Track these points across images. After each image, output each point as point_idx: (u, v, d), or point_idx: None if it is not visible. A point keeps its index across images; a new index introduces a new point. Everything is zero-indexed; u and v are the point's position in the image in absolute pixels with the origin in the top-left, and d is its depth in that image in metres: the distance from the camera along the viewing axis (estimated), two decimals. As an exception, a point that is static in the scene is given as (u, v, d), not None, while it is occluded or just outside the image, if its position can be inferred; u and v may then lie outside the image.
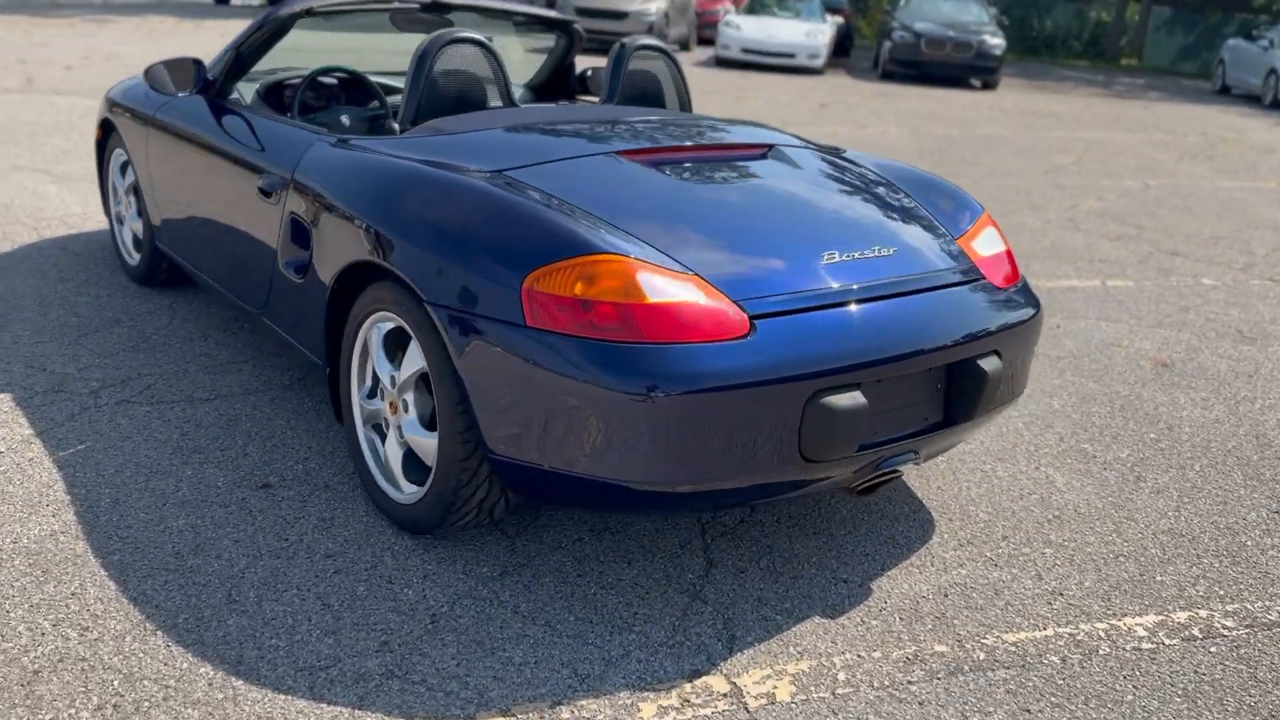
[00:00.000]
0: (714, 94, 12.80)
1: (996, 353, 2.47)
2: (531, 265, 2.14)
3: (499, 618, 2.23)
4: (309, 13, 3.32)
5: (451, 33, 2.92)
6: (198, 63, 3.42)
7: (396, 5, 3.50)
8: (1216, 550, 2.75)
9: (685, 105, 3.45)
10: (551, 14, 3.87)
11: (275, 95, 3.66)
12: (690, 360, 2.06)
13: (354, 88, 3.84)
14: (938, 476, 3.05)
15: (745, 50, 16.56)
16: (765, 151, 2.85)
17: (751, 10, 18.17)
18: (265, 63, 4.06)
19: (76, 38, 13.14)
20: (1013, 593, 2.48)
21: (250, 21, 14.73)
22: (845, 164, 2.94)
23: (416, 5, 3.55)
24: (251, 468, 2.79)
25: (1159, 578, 2.59)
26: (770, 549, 2.58)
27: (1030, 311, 2.62)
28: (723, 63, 16.91)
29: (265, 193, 2.90)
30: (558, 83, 4.27)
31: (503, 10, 3.75)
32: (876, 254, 2.43)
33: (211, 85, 3.45)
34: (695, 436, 2.06)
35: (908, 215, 2.69)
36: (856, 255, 2.40)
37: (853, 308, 2.27)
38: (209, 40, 14.02)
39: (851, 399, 2.16)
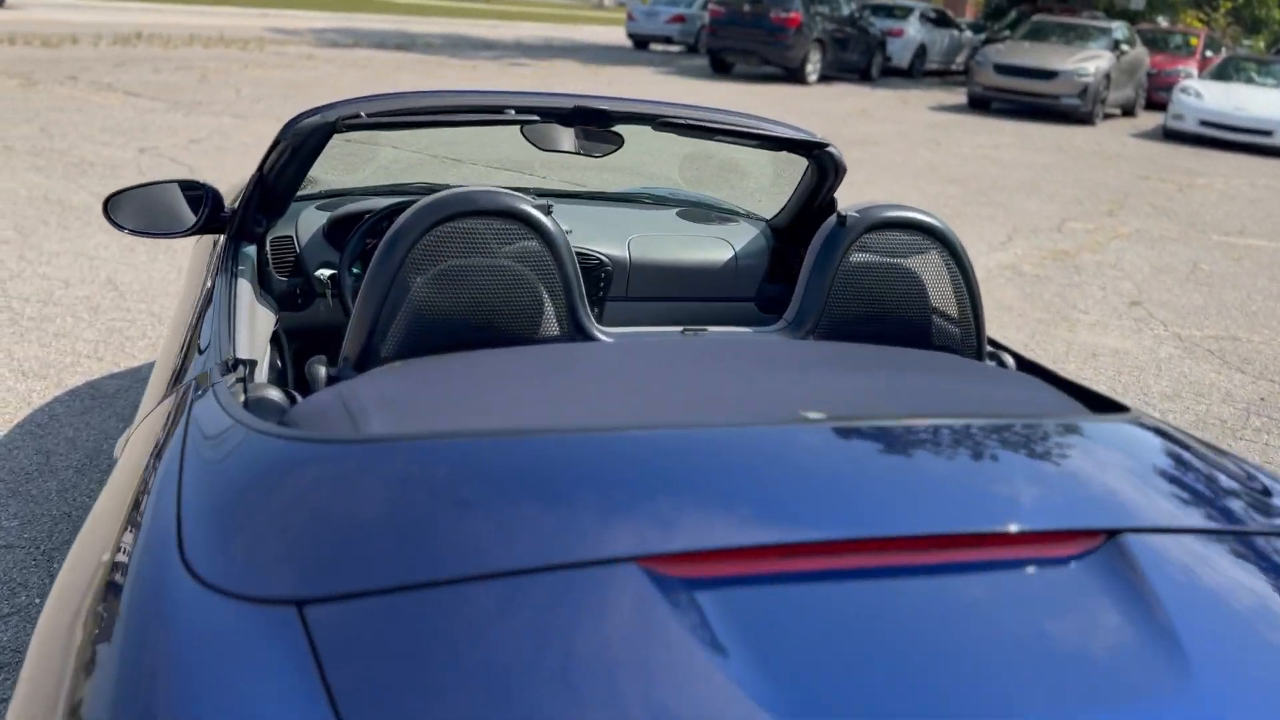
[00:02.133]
0: (1150, 178, 10.25)
1: None
2: None
3: None
4: (347, 125, 2.04)
5: (450, 201, 1.49)
6: (208, 190, 2.26)
7: (511, 116, 2.12)
8: None
9: (970, 345, 1.75)
10: (787, 132, 2.29)
11: (344, 232, 2.43)
12: None
13: None
14: None
15: (1204, 123, 13.51)
16: (1090, 550, 1.10)
17: (1221, 75, 14.94)
18: (377, 174, 2.87)
19: (471, 84, 13.26)
20: None
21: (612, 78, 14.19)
22: None
23: (536, 117, 2.14)
24: None
25: None
26: None
27: None
28: (1172, 136, 13.95)
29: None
30: (808, 225, 2.68)
31: (702, 126, 2.23)
32: None
33: (226, 221, 2.27)
34: None
35: None
36: None
37: None
38: (597, 89, 13.65)
39: None
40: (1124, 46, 15.75)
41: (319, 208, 2.52)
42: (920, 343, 1.73)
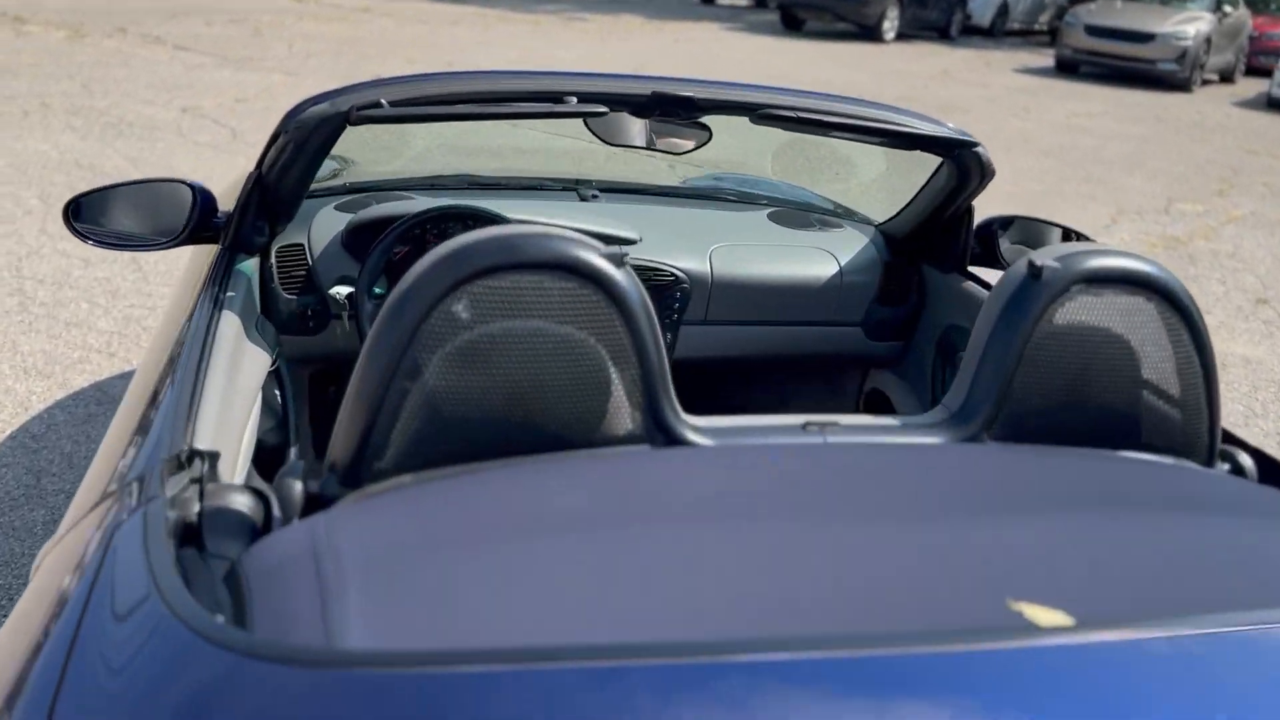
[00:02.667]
0: (1259, 153, 9.46)
1: None
2: None
3: None
4: (362, 117, 1.58)
5: (480, 250, 1.04)
6: (197, 191, 1.82)
7: (573, 106, 1.64)
8: None
9: (1199, 443, 1.25)
10: (924, 127, 1.79)
11: (368, 241, 1.99)
12: None
13: None
14: None
15: (1315, 91, 12.55)
16: None
17: (1333, 37, 13.90)
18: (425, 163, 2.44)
19: (530, 38, 12.74)
20: None
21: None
22: None
23: (604, 108, 1.66)
24: None
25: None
26: None
27: None
28: (1278, 105, 13.00)
29: None
30: (932, 236, 2.18)
31: (816, 120, 1.73)
32: None
33: (220, 229, 1.84)
34: None
35: None
36: None
37: None
38: (662, 46, 13.05)
39: None
40: (1226, 7, 14.72)
41: (339, 208, 2.08)
42: (1129, 439, 1.25)
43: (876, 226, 2.37)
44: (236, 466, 1.46)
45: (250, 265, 1.84)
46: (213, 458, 1.16)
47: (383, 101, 1.60)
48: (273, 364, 1.74)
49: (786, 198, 2.61)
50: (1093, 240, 2.24)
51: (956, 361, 2.08)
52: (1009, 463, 1.12)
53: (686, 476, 1.04)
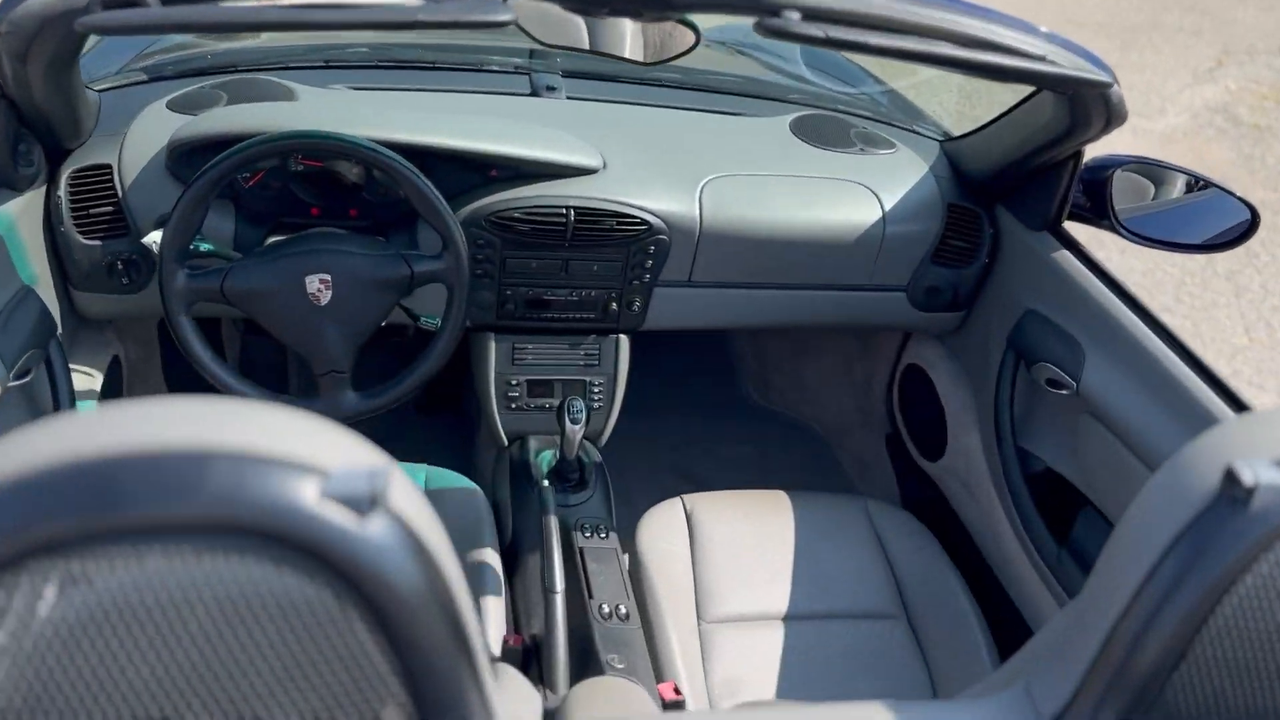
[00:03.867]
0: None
1: None
2: None
3: None
4: (106, 23, 0.96)
5: (45, 479, 0.47)
6: None
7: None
8: None
9: None
10: (1030, 48, 1.13)
11: (200, 164, 1.38)
12: None
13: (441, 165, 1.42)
14: None
15: None
16: None
17: None
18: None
19: None
20: None
21: None
22: None
23: (507, 15, 1.02)
24: None
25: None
26: None
27: None
28: None
29: None
30: (1016, 180, 1.54)
31: (862, 43, 1.07)
32: None
33: None
34: None
35: None
36: None
37: None
38: None
39: None
40: None
41: (173, 106, 1.46)
42: None
43: (942, 144, 1.72)
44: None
45: (16, 208, 1.26)
46: None
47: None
48: (15, 377, 1.19)
49: (822, 90, 1.95)
50: (1220, 185, 1.58)
51: (1035, 375, 1.48)
52: None
53: None
